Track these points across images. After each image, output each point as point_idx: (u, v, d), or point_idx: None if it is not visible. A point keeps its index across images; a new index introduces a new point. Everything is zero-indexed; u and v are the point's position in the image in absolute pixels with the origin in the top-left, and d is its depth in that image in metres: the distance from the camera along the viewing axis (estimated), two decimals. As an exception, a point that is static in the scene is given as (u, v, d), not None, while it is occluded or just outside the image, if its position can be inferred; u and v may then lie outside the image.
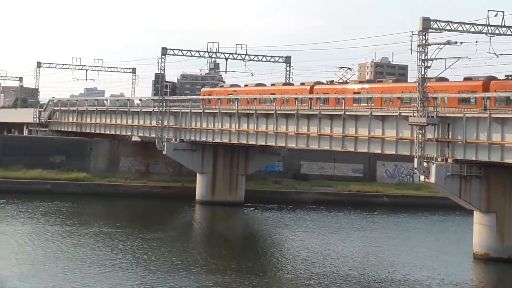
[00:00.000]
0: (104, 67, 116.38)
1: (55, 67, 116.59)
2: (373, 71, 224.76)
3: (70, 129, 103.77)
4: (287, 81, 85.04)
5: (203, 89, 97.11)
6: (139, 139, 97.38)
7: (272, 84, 79.41)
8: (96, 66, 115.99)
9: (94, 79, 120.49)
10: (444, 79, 56.91)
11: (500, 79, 52.99)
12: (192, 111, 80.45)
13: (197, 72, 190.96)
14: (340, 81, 70.49)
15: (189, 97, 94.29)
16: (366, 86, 65.10)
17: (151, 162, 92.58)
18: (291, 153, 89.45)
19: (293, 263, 49.97)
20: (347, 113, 60.53)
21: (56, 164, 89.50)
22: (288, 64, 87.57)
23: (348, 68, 73.83)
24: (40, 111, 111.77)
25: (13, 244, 51.02)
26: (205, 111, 78.55)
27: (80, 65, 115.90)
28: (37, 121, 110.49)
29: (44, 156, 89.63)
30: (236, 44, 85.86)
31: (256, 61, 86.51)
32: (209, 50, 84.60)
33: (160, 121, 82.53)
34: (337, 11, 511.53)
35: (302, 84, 74.20)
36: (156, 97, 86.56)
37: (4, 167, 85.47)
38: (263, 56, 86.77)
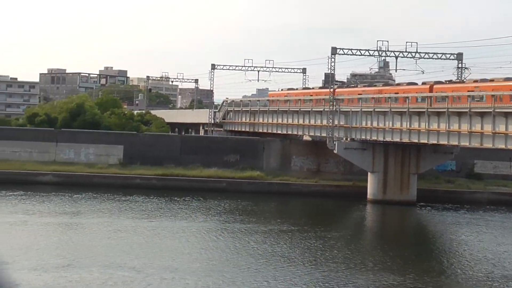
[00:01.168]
0: (275, 67, 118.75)
1: (228, 69, 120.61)
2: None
3: (243, 129, 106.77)
4: (459, 78, 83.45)
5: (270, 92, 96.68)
6: (310, 138, 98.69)
7: (448, 81, 78.28)
8: (267, 67, 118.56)
9: (266, 80, 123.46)
10: None
11: None
12: (363, 110, 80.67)
13: (367, 71, 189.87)
14: None
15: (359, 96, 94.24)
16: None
17: (322, 161, 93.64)
18: (464, 152, 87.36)
19: (474, 264, 49.13)
20: (523, 110, 58.74)
21: (230, 163, 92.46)
22: (460, 61, 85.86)
23: None
24: (214, 112, 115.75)
25: (200, 239, 53.53)
26: (376, 110, 78.52)
27: (252, 66, 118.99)
28: (212, 121, 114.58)
29: (219, 155, 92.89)
30: (406, 42, 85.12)
31: (427, 58, 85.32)
32: (378, 49, 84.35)
33: (330, 120, 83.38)
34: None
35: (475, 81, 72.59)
36: (327, 97, 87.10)
37: (183, 166, 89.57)
38: (434, 53, 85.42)
